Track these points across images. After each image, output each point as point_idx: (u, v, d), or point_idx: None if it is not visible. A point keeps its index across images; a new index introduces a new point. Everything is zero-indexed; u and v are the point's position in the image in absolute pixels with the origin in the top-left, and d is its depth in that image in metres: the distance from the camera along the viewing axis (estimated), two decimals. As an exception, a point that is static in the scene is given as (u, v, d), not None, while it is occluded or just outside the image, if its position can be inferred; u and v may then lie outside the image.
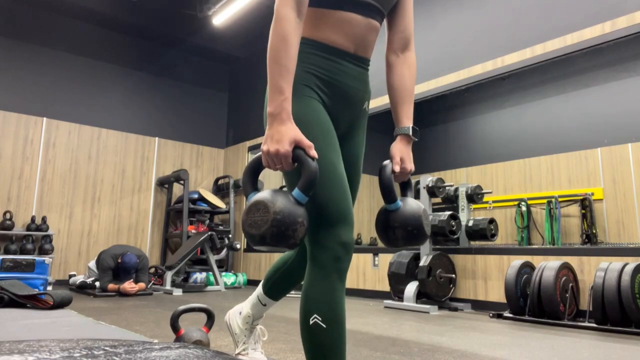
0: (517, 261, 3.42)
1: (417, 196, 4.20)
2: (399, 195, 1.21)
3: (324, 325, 1.00)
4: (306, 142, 0.99)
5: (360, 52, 1.18)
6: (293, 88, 1.09)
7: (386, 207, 1.18)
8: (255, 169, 1.05)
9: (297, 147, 0.98)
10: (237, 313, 1.63)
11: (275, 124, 0.99)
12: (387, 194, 1.15)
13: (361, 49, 1.18)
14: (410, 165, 1.23)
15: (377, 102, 4.79)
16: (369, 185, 6.30)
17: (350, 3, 1.13)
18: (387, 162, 1.20)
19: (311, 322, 1.01)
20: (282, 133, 0.98)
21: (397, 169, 1.19)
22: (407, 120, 1.23)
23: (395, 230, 1.14)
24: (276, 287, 1.50)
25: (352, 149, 1.23)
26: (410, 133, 1.22)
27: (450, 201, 4.54)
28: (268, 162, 1.00)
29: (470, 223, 4.11)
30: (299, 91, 1.11)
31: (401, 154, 1.22)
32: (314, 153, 0.98)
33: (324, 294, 1.01)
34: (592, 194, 4.43)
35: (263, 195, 0.97)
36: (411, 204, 1.17)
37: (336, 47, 1.14)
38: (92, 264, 5.03)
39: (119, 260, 4.68)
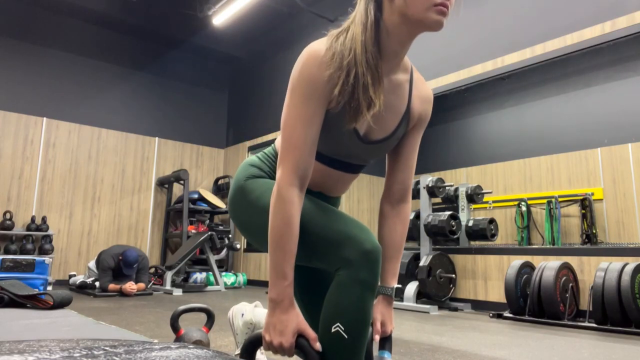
0: (517, 261, 3.42)
1: (417, 196, 4.20)
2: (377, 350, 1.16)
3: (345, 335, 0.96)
4: (311, 333, 0.96)
5: (331, 194, 1.20)
6: (251, 174, 1.14)
7: None
8: (254, 348, 1.02)
9: (300, 336, 0.95)
10: (240, 314, 1.61)
11: (277, 312, 0.95)
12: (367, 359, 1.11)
13: (332, 192, 1.19)
14: (391, 326, 1.16)
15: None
16: (368, 185, 6.30)
17: (338, 162, 1.11)
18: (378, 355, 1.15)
19: (333, 330, 0.97)
20: (285, 324, 0.94)
21: (376, 338, 1.13)
22: (392, 280, 1.16)
23: None
24: None
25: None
26: (394, 295, 1.16)
27: (450, 201, 4.54)
28: (269, 349, 0.98)
29: (470, 223, 4.11)
30: (256, 175, 1.15)
31: (383, 317, 1.14)
32: (318, 346, 0.95)
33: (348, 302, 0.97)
34: (592, 194, 4.43)
35: None
36: None
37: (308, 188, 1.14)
38: (92, 264, 5.03)
39: (120, 258, 4.66)
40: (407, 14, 0.97)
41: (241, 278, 6.07)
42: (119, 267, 4.66)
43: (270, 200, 0.99)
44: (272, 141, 6.46)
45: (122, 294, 4.50)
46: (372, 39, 0.99)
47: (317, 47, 0.99)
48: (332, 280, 1.00)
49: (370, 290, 0.97)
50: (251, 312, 1.56)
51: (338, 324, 0.96)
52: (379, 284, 1.13)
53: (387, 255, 1.17)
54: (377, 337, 1.13)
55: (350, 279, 0.96)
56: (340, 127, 1.02)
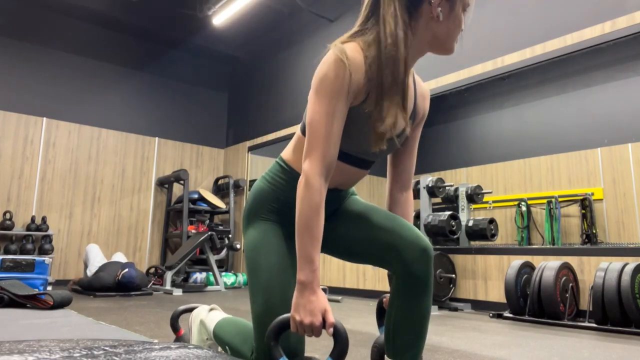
0: (517, 261, 3.42)
1: (417, 196, 4.20)
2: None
3: None
4: (330, 314, 1.03)
5: (341, 188, 1.26)
6: (254, 211, 1.23)
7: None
8: (279, 332, 1.05)
9: (323, 317, 1.02)
10: (198, 318, 1.58)
11: (306, 293, 1.01)
12: None
13: (342, 186, 1.26)
14: None
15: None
16: (368, 186, 6.30)
17: (354, 158, 1.19)
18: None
19: None
20: (314, 304, 1.01)
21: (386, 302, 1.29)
22: None
23: None
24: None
25: (346, 222, 1.26)
26: None
27: (450, 201, 4.54)
28: (298, 329, 1.02)
29: (470, 223, 4.11)
30: (258, 214, 1.23)
31: None
32: (330, 329, 1.03)
33: None
34: (592, 194, 4.42)
35: None
36: None
37: None
38: (92, 269, 5.02)
39: (118, 277, 4.54)
40: (440, 37, 1.12)
41: (241, 278, 6.07)
42: (119, 284, 4.55)
43: (298, 189, 1.06)
44: (272, 141, 6.50)
45: (121, 293, 4.49)
46: (405, 52, 1.08)
47: (350, 53, 1.06)
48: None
49: None
50: (205, 314, 1.55)
51: None
52: None
53: None
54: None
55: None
56: (361, 125, 1.10)
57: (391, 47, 1.05)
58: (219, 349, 1.48)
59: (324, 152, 1.05)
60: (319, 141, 1.05)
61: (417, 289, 1.10)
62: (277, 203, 1.23)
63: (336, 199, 1.27)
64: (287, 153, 1.25)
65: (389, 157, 1.32)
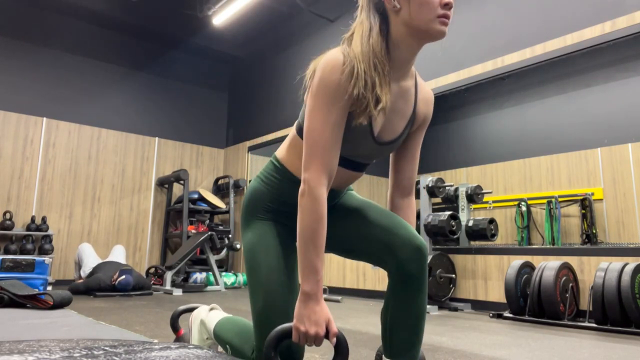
0: (517, 261, 3.42)
1: (417, 196, 4.20)
2: None
3: None
4: (332, 324, 1.03)
5: (337, 189, 1.26)
6: (250, 211, 1.24)
7: None
8: (279, 341, 1.05)
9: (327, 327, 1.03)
10: (198, 319, 1.58)
11: (311, 304, 1.01)
12: None
13: (338, 188, 1.26)
14: None
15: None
16: (368, 186, 6.30)
17: (349, 162, 1.19)
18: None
19: None
20: (319, 314, 1.01)
21: None
22: None
23: None
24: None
25: (342, 218, 1.26)
26: None
27: (450, 201, 4.54)
28: (301, 339, 1.02)
29: (470, 223, 4.11)
30: (254, 213, 1.23)
31: None
32: (333, 338, 1.03)
33: None
34: (592, 194, 4.42)
35: None
36: None
37: None
38: (86, 269, 5.00)
39: (114, 282, 4.52)
40: (412, 25, 1.06)
41: (241, 278, 6.07)
42: (115, 288, 4.52)
43: (300, 199, 1.05)
44: (272, 141, 6.49)
45: (120, 293, 4.48)
46: (379, 46, 1.06)
47: (336, 56, 1.06)
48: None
49: None
50: (206, 314, 1.55)
51: None
52: None
53: None
54: None
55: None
56: (357, 129, 1.10)
57: (366, 52, 1.05)
58: (219, 348, 1.48)
59: (325, 161, 1.04)
60: (319, 150, 1.04)
61: (412, 287, 1.10)
62: (272, 202, 1.24)
63: (332, 198, 1.27)
64: (281, 152, 1.25)
65: (390, 162, 1.32)
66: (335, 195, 1.28)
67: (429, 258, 3.82)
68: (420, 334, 1.13)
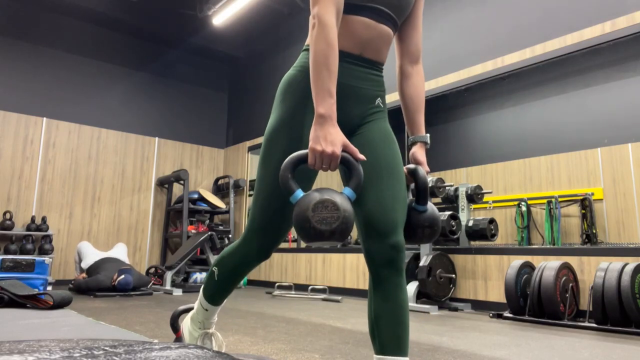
0: (517, 261, 3.42)
1: (417, 196, 4.19)
2: None
3: None
4: (352, 147, 1.05)
5: (367, 55, 1.22)
6: (283, 95, 1.22)
7: (416, 208, 1.24)
8: (295, 166, 1.07)
9: (344, 150, 1.05)
10: (189, 318, 1.59)
11: (326, 125, 1.03)
12: (424, 196, 1.24)
13: (369, 52, 1.22)
14: (427, 169, 1.34)
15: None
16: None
17: (365, 8, 1.18)
18: (413, 165, 1.29)
19: None
20: (335, 135, 1.03)
21: (428, 170, 1.32)
22: (423, 129, 1.37)
23: (424, 229, 1.23)
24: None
25: (367, 148, 1.22)
26: (428, 141, 1.37)
27: (450, 201, 4.54)
28: (316, 160, 1.03)
29: (470, 223, 4.11)
30: (286, 99, 1.21)
31: (423, 159, 1.34)
32: (360, 156, 1.05)
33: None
34: (592, 194, 4.42)
35: (326, 193, 1.02)
36: (434, 208, 1.28)
37: (341, 50, 1.18)
38: (84, 264, 5.00)
39: (114, 283, 4.53)
40: None
41: (241, 278, 6.07)
42: (115, 288, 4.53)
43: (310, 31, 1.07)
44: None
45: (120, 293, 4.48)
46: None
47: None
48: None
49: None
50: (191, 313, 1.57)
51: None
52: (415, 134, 1.36)
53: (416, 109, 1.34)
54: (428, 169, 1.32)
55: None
56: None
57: None
58: (213, 342, 1.48)
59: None
60: None
61: (390, 283, 1.11)
62: (307, 87, 1.19)
63: (367, 78, 1.23)
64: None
65: (395, 35, 1.34)
66: (370, 81, 1.23)
67: (429, 258, 3.82)
68: (406, 327, 1.13)
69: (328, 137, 1.02)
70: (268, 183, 1.19)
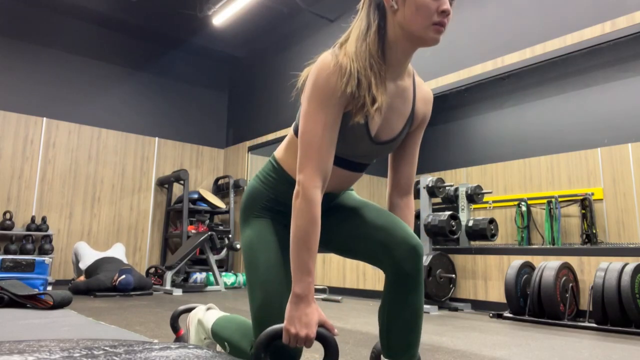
0: (517, 261, 3.42)
1: (417, 196, 4.20)
2: None
3: None
4: (329, 323, 1.05)
5: (333, 191, 1.25)
6: (249, 208, 1.25)
7: None
8: (270, 342, 1.04)
9: (321, 326, 1.04)
10: (195, 318, 1.58)
11: (302, 306, 1.02)
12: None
13: (337, 190, 1.26)
14: None
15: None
16: (368, 185, 6.30)
17: (347, 162, 1.19)
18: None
19: None
20: (310, 316, 1.01)
21: None
22: None
23: None
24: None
25: (344, 203, 1.28)
26: None
27: (450, 201, 4.54)
28: (290, 341, 1.02)
29: (470, 223, 4.11)
30: (252, 211, 1.25)
31: None
32: (336, 332, 1.05)
33: None
34: (592, 194, 4.42)
35: None
36: None
37: None
38: (82, 265, 5.00)
39: (115, 284, 4.50)
40: (406, 28, 1.05)
41: (241, 278, 6.07)
42: (116, 288, 4.50)
43: (294, 201, 1.05)
44: (272, 141, 6.49)
45: (120, 293, 4.48)
46: (375, 46, 1.07)
47: (327, 58, 1.06)
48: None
49: None
50: (203, 313, 1.55)
51: None
52: None
53: None
54: None
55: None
56: (354, 128, 1.10)
57: (362, 51, 1.05)
58: (217, 347, 1.48)
59: (319, 163, 1.04)
60: (313, 152, 1.04)
61: (408, 287, 1.10)
62: (269, 201, 1.25)
63: (330, 200, 1.27)
64: (279, 152, 1.26)
65: (389, 161, 1.31)
66: (333, 197, 1.28)
67: (429, 258, 3.82)
68: (418, 333, 1.13)
69: (303, 319, 1.00)
70: (261, 284, 1.20)
